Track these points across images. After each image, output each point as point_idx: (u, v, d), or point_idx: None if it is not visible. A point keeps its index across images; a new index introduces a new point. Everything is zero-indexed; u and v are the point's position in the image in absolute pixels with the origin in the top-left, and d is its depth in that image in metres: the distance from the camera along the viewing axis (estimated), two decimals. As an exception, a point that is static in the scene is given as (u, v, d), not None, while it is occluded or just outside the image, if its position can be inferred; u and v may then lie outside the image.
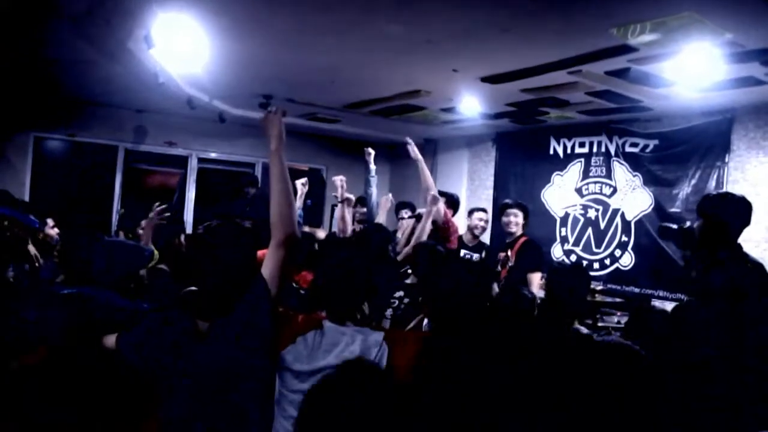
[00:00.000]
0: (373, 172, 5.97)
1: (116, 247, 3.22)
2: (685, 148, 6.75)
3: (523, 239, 5.65)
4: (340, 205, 5.62)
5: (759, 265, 3.35)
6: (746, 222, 3.61)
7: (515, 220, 5.68)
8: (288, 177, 2.51)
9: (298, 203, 5.25)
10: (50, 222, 5.32)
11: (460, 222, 6.41)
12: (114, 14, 4.54)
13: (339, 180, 5.78)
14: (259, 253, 3.49)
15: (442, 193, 5.64)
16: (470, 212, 6.23)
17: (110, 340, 2.46)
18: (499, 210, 5.88)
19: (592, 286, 7.14)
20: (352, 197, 6.00)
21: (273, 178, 2.51)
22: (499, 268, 5.59)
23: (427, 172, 5.52)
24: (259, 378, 2.37)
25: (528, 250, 5.59)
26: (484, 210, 6.33)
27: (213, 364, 2.28)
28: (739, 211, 3.64)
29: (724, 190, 6.09)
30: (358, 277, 2.62)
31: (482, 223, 6.06)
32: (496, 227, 8.71)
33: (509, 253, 5.59)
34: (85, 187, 9.02)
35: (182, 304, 2.79)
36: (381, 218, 5.62)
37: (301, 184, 5.49)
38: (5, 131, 8.06)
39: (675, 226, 4.35)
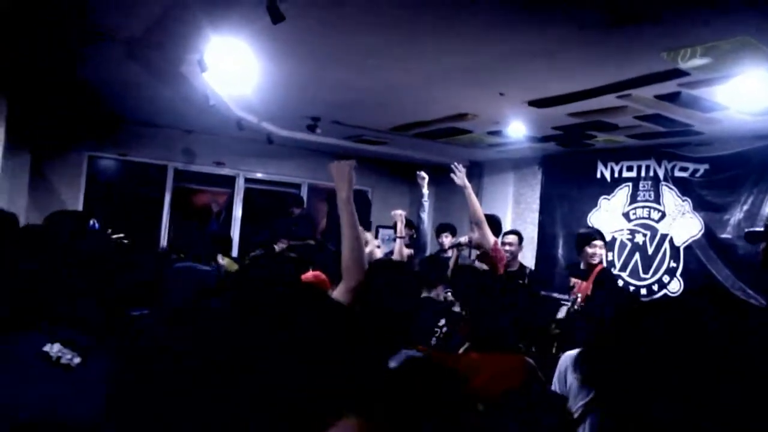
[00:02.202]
0: (426, 196, 5.94)
1: (185, 272, 3.20)
2: (737, 173, 6.61)
3: (600, 267, 5.36)
4: (398, 240, 5.49)
5: None
6: None
7: (600, 252, 5.37)
8: (358, 223, 2.50)
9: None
10: None
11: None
12: (168, 39, 4.67)
13: (400, 215, 5.54)
14: (302, 277, 3.50)
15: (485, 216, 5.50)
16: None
17: None
18: (580, 240, 5.51)
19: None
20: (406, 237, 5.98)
21: (344, 225, 2.50)
22: (579, 298, 5.42)
23: (475, 200, 5.16)
24: None
25: (606, 281, 5.30)
26: (514, 233, 6.24)
27: None
28: None
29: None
30: (391, 300, 2.59)
31: (511, 248, 5.95)
32: (542, 251, 8.69)
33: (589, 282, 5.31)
34: (135, 204, 9.24)
35: None
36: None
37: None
38: (61, 150, 8.35)
39: (761, 229, 4.14)
